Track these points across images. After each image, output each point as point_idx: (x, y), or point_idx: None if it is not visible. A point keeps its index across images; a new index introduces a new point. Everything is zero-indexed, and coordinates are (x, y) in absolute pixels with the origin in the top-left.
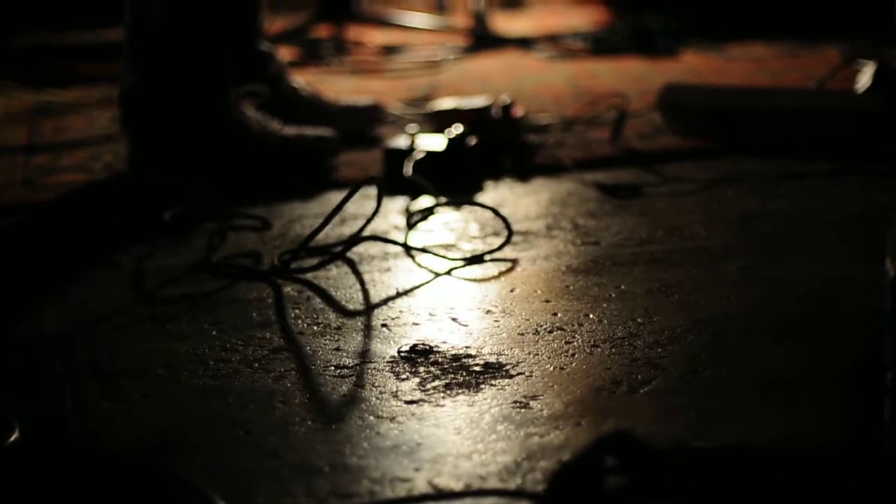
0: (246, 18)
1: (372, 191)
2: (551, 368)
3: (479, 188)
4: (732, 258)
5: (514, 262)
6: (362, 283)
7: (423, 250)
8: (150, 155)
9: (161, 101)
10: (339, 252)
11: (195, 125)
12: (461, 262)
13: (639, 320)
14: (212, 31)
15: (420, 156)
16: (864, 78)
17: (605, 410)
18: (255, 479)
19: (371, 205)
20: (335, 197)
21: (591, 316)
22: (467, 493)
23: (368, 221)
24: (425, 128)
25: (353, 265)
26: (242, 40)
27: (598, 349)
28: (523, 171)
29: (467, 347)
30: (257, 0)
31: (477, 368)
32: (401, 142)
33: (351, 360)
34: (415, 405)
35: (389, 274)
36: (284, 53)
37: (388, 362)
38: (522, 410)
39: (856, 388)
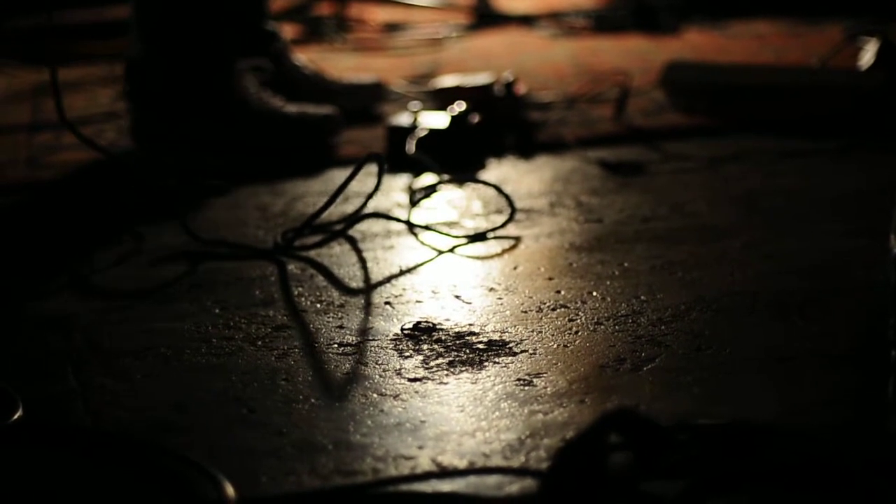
0: None
1: (375, 168)
2: (555, 346)
3: (482, 166)
4: (736, 235)
5: (518, 239)
6: (365, 260)
7: (426, 228)
8: (152, 129)
9: (164, 79)
10: (342, 230)
11: (197, 104)
12: (464, 240)
13: (642, 298)
14: (215, 10)
15: (423, 133)
16: (867, 55)
17: (609, 388)
18: (258, 458)
19: (374, 182)
20: (337, 175)
21: (595, 293)
22: (471, 470)
23: (368, 199)
24: (428, 105)
25: (355, 243)
26: (248, 19)
27: (602, 326)
28: (526, 148)
29: (470, 325)
30: None
31: (480, 346)
32: (403, 119)
33: (354, 338)
34: (418, 383)
35: (392, 251)
36: (287, 31)
37: (391, 340)
38: (526, 388)
39: (859, 366)
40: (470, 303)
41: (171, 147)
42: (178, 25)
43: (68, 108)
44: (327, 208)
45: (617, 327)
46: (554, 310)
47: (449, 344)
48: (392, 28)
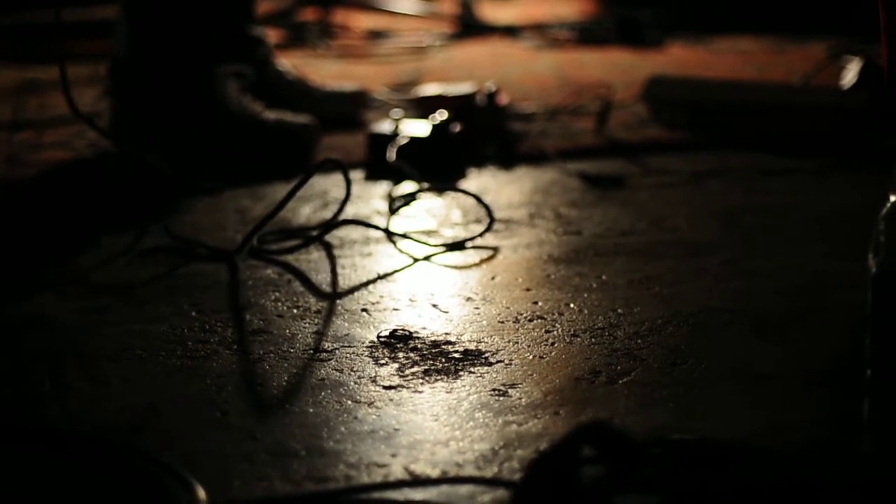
0: (238, 2)
1: (358, 175)
2: (531, 357)
3: (463, 175)
4: (715, 251)
5: (496, 249)
6: (343, 267)
7: (405, 236)
8: (132, 127)
9: (147, 77)
10: (316, 235)
11: (178, 104)
12: (442, 249)
13: (619, 311)
14: (201, 11)
15: (404, 141)
16: (850, 74)
17: (584, 400)
18: (231, 462)
19: (357, 189)
20: (319, 180)
21: (572, 305)
22: (444, 479)
23: (342, 207)
24: (410, 113)
25: (333, 249)
26: (234, 23)
27: (578, 339)
28: (507, 159)
29: (447, 334)
30: None
31: (456, 355)
32: (385, 127)
33: (330, 344)
34: (393, 391)
35: (370, 259)
36: (270, 36)
37: (367, 347)
38: (501, 398)
39: (835, 385)
40: (447, 312)
41: (150, 145)
42: (163, 24)
43: (50, 106)
44: (278, 212)
45: (593, 340)
46: (531, 321)
47: (425, 352)
48: (376, 35)
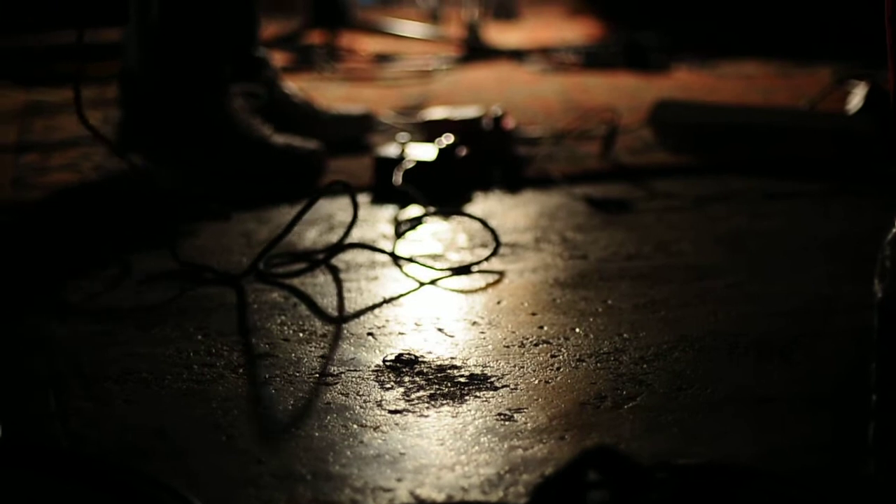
0: (243, 24)
1: (364, 198)
2: (536, 382)
3: (469, 199)
4: (720, 276)
5: (502, 274)
6: (349, 291)
7: (411, 260)
8: (139, 139)
9: (157, 92)
10: (322, 259)
11: (185, 121)
12: (448, 273)
13: (625, 335)
14: (208, 35)
15: (410, 165)
16: (856, 99)
17: (590, 425)
18: (236, 485)
19: (363, 213)
20: (325, 204)
21: (578, 330)
22: None
23: (348, 230)
24: (416, 137)
25: (340, 273)
26: (239, 45)
27: (584, 363)
28: (513, 183)
29: (453, 358)
30: (254, 6)
31: (462, 380)
32: (391, 150)
33: (336, 368)
34: (399, 415)
35: (376, 283)
36: (277, 59)
37: (372, 371)
38: (506, 423)
39: (840, 409)
40: (453, 336)
41: (154, 160)
42: (175, 41)
43: (56, 129)
44: (285, 235)
45: (599, 364)
46: (536, 345)
47: (430, 377)
48: (382, 59)
